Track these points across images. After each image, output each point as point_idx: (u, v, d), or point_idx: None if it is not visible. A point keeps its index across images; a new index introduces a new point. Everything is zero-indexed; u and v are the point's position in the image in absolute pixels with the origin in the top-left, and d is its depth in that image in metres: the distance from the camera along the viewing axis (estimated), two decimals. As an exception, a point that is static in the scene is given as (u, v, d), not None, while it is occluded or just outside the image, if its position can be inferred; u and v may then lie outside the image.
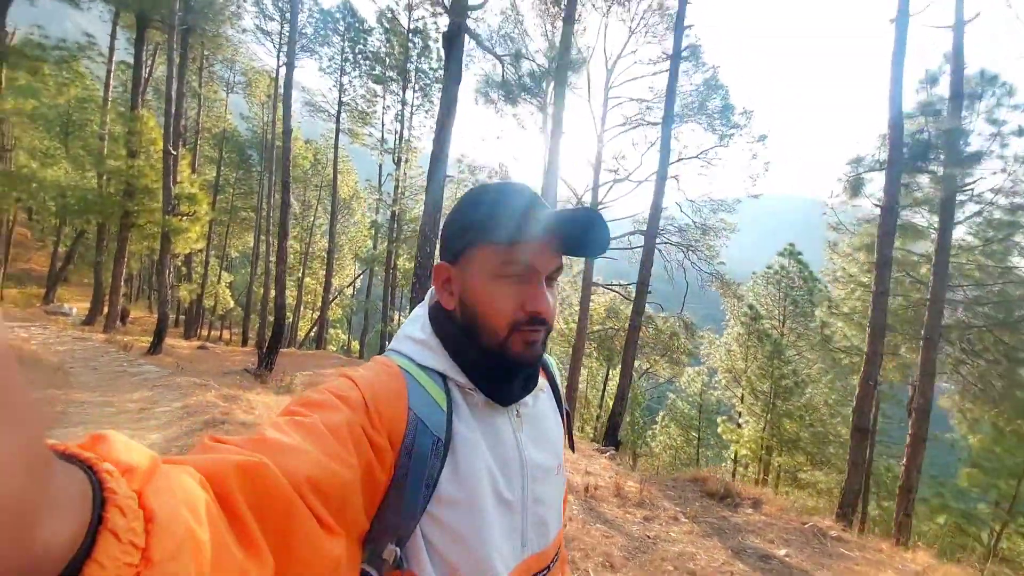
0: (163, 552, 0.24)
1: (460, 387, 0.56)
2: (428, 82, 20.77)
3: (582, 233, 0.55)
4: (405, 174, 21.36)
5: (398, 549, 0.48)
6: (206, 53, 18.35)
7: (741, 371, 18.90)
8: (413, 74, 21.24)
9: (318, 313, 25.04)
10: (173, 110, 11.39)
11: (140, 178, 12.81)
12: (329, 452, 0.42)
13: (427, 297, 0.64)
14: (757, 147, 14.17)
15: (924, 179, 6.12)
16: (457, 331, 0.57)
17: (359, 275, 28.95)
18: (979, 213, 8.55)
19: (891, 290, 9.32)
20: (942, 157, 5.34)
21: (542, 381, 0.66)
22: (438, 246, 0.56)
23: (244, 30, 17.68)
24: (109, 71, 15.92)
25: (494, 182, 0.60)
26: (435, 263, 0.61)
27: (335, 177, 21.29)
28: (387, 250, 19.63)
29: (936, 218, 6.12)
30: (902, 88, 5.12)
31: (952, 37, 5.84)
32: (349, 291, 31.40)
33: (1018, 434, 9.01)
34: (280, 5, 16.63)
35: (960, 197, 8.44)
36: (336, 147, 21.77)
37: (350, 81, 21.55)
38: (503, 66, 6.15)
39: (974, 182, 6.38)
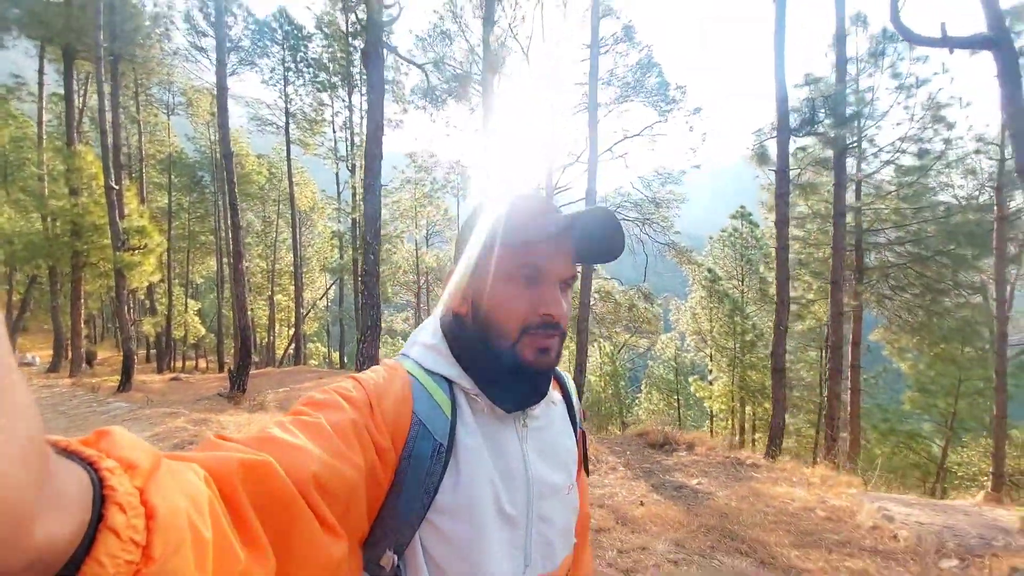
0: (164, 549, 0.24)
1: (466, 393, 0.56)
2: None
3: (594, 233, 0.56)
4: (362, 180, 21.36)
5: (396, 556, 0.48)
6: (139, 79, 17.84)
7: (707, 331, 19.89)
8: (358, 78, 21.09)
9: (293, 329, 24.89)
10: (110, 142, 11.22)
11: (85, 215, 12.58)
12: (334, 451, 0.42)
13: (440, 303, 0.64)
14: (693, 120, 14.77)
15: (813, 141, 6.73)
16: (467, 335, 0.57)
17: (330, 286, 28.76)
18: (890, 162, 9.33)
19: (816, 241, 10.07)
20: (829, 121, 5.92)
21: (556, 395, 0.65)
22: (453, 251, 0.65)
23: (176, 50, 17.28)
24: (41, 107, 15.40)
25: (506, 191, 0.60)
26: (448, 268, 0.61)
27: (291, 190, 21.11)
28: (352, 258, 19.67)
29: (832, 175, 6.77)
30: (784, 62, 5.63)
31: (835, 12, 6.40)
32: (323, 303, 31.19)
33: (942, 357, 9.93)
34: (212, 20, 16.29)
35: (871, 150, 9.18)
36: (288, 159, 21.52)
37: (295, 90, 21.24)
38: (426, 74, 6.44)
39: (870, 138, 7.03)
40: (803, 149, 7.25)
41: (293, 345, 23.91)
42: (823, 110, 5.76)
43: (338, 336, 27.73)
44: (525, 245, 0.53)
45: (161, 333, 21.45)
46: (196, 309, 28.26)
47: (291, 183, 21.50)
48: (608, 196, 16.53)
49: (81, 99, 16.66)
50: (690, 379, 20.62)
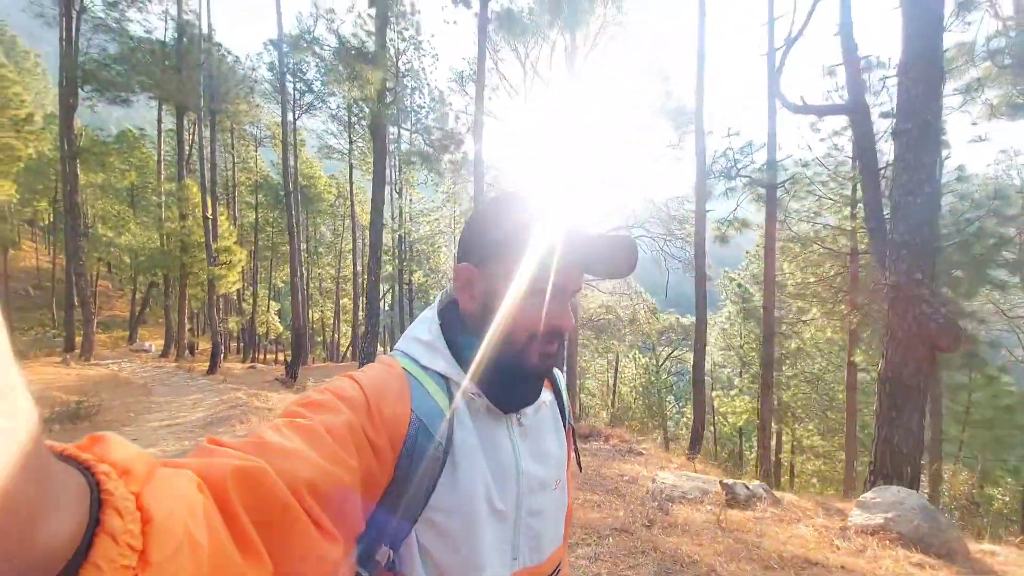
0: (161, 554, 0.24)
1: (463, 392, 0.56)
2: (420, 116, 23.26)
3: (616, 259, 0.57)
4: (409, 199, 24.04)
5: (392, 551, 0.49)
6: (232, 125, 21.74)
7: (736, 347, 20.05)
8: (412, 112, 23.69)
9: (359, 328, 28.03)
10: (207, 180, 14.41)
11: (190, 236, 16.01)
12: (328, 455, 0.42)
13: (437, 299, 0.64)
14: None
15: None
16: (470, 335, 0.57)
17: (385, 293, 31.87)
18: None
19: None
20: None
21: (547, 393, 0.66)
22: (457, 247, 0.64)
23: (264, 92, 20.94)
24: (160, 148, 19.53)
25: (527, 192, 0.60)
26: (456, 264, 0.60)
27: (352, 209, 24.17)
28: (396, 268, 22.22)
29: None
30: (702, 122, 6.76)
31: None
32: (384, 306, 34.29)
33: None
34: (277, 86, 19.64)
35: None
36: (351, 183, 24.69)
37: (357, 121, 24.43)
38: (422, 138, 8.34)
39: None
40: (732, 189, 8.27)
41: (351, 343, 26.90)
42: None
43: (393, 336, 30.61)
44: (541, 259, 0.54)
45: (245, 329, 25.33)
46: (277, 310, 32.54)
47: (352, 203, 24.58)
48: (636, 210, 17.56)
49: (190, 139, 20.78)
50: (713, 393, 20.82)
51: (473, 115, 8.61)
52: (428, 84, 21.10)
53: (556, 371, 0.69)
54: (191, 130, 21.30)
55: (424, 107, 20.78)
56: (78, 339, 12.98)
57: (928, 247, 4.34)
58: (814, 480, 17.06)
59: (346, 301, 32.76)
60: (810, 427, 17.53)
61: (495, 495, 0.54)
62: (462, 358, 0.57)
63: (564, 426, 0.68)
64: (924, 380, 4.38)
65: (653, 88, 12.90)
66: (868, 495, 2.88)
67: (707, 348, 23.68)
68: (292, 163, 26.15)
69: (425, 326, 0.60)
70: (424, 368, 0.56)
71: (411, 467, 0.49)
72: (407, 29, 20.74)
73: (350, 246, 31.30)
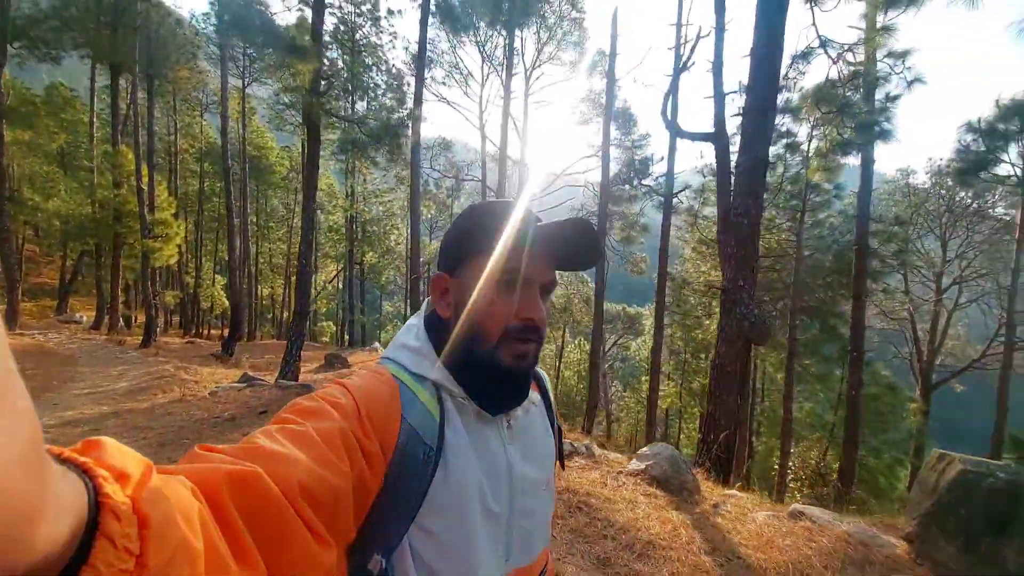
0: (158, 558, 0.24)
1: (453, 396, 0.57)
2: (376, 95, 22.98)
3: (571, 242, 0.58)
4: (363, 179, 23.96)
5: (384, 560, 0.48)
6: (173, 90, 20.87)
7: (668, 336, 21.68)
8: (371, 89, 23.36)
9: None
10: (143, 150, 14.06)
11: (124, 205, 15.53)
12: (321, 460, 0.42)
13: (423, 307, 0.65)
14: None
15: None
16: (452, 340, 0.58)
17: (336, 273, 31.63)
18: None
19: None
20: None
21: (534, 395, 0.67)
22: (437, 258, 0.66)
23: (208, 59, 20.07)
24: (92, 111, 18.56)
25: (491, 200, 0.62)
26: (433, 274, 0.62)
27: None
28: (347, 248, 22.27)
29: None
30: (609, 139, 7.57)
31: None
32: (334, 286, 33.98)
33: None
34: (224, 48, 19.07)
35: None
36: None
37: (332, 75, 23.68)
38: (356, 128, 8.73)
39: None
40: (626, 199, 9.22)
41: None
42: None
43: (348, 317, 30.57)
44: (506, 252, 0.55)
45: (186, 303, 24.69)
46: (223, 284, 31.67)
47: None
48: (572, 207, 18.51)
49: (126, 103, 19.76)
50: (643, 379, 22.47)
51: (410, 109, 9.08)
52: (386, 61, 20.97)
53: (542, 373, 0.71)
54: (127, 94, 20.29)
55: (380, 85, 20.75)
56: (1, 307, 12.60)
57: (749, 260, 5.33)
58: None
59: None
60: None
61: (489, 497, 0.55)
62: (449, 362, 0.57)
63: (552, 427, 0.69)
64: (742, 367, 5.43)
65: (590, 89, 13.68)
66: (644, 449, 3.80)
67: (642, 338, 25.42)
68: (241, 132, 25.39)
69: (412, 333, 0.61)
70: (414, 375, 0.56)
71: (402, 473, 0.49)
72: (364, 3, 20.46)
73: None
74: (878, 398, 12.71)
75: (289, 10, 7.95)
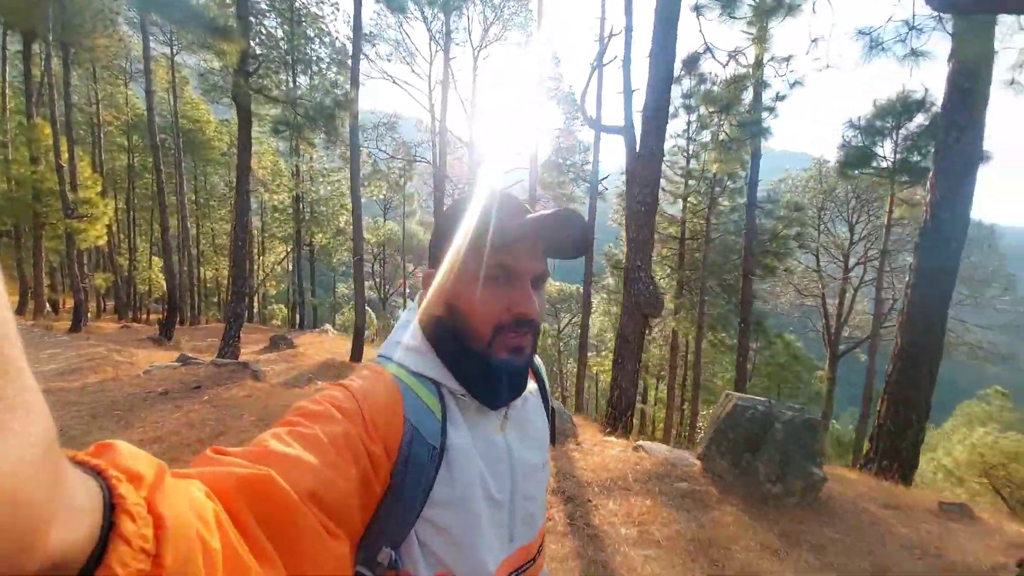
0: (174, 558, 0.25)
1: (453, 393, 0.57)
2: (320, 68, 22.16)
3: (560, 232, 0.57)
4: (310, 158, 23.28)
5: (393, 552, 0.50)
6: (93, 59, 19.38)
7: (614, 314, 22.91)
8: (314, 63, 22.42)
9: (253, 289, 26.98)
10: (59, 124, 13.21)
11: (43, 183, 14.57)
12: (330, 463, 0.43)
13: (415, 302, 0.64)
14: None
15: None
16: (445, 334, 0.58)
17: (286, 254, 30.76)
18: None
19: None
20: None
21: (531, 383, 0.67)
22: (427, 254, 0.64)
23: (132, 25, 18.66)
24: (4, 81, 17.02)
25: (478, 192, 0.61)
26: (424, 271, 0.62)
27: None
28: (295, 229, 21.79)
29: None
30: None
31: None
32: (283, 268, 33.04)
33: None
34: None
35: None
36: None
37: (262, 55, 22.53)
38: (292, 108, 8.76)
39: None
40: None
41: (241, 303, 26.00)
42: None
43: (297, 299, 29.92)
44: (495, 247, 0.55)
45: (120, 287, 23.48)
46: (161, 266, 30.07)
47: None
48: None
49: (40, 73, 18.17)
50: (589, 355, 23.72)
51: (346, 90, 9.16)
52: (330, 34, 20.30)
53: (537, 359, 0.69)
54: (42, 61, 18.57)
55: (324, 59, 20.14)
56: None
57: (646, 244, 6.05)
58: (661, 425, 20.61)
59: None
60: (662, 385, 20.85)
61: (492, 487, 0.56)
62: (446, 359, 0.58)
63: (547, 409, 0.71)
64: (639, 337, 6.20)
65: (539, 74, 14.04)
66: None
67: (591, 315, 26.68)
68: (172, 104, 23.94)
69: (408, 331, 0.61)
70: (414, 373, 0.57)
71: (407, 473, 0.50)
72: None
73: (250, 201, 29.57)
74: (786, 367, 14.28)
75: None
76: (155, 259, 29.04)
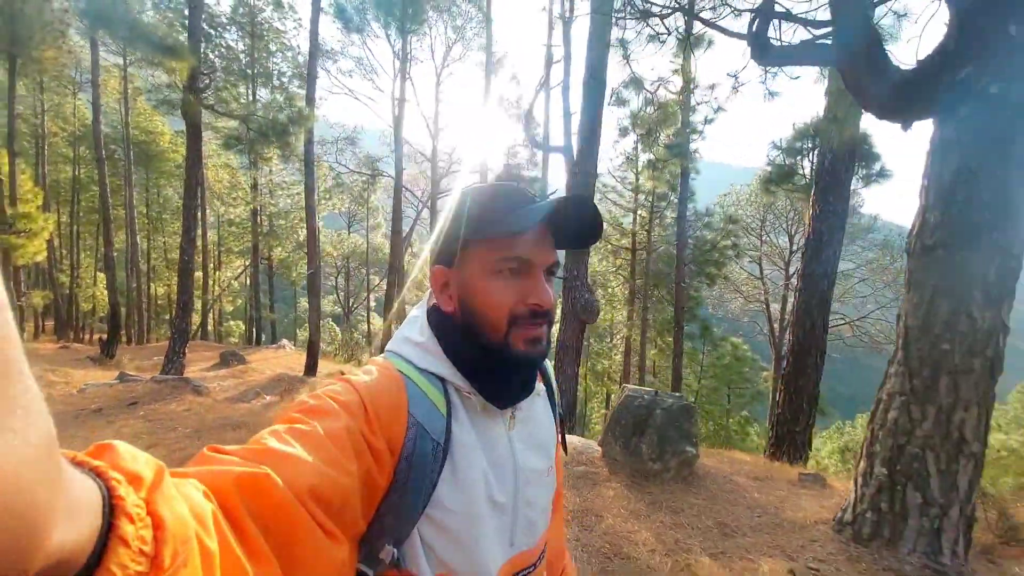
0: (173, 560, 0.24)
1: (459, 391, 0.57)
2: (282, 82, 22.03)
3: (573, 217, 0.57)
4: (270, 171, 22.99)
5: (395, 550, 0.49)
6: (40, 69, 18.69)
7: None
8: (275, 76, 22.21)
9: (209, 305, 26.09)
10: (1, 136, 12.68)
11: (-24, 196, 13.86)
12: (329, 460, 0.42)
13: (424, 299, 0.64)
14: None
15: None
16: (457, 333, 0.58)
17: (244, 269, 29.96)
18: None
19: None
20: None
21: (539, 386, 0.67)
22: (430, 251, 0.64)
23: (82, 33, 18.11)
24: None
25: (482, 184, 0.60)
26: (432, 268, 0.61)
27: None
28: (252, 243, 21.39)
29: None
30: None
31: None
32: (241, 283, 32.12)
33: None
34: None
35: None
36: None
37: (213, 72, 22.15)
38: (245, 123, 8.84)
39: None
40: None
41: (191, 321, 25.12)
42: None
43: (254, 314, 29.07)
44: (507, 238, 0.55)
45: (60, 305, 22.29)
46: (107, 282, 28.63)
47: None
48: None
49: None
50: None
51: (299, 107, 9.32)
52: (292, 48, 20.28)
53: (545, 362, 0.68)
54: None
55: (287, 72, 20.09)
56: None
57: (582, 254, 6.47)
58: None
59: (198, 275, 30.18)
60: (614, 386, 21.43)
61: (495, 489, 0.56)
62: (455, 356, 0.57)
63: (554, 414, 0.70)
64: (576, 342, 6.58)
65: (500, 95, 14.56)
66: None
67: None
68: (124, 115, 23.22)
69: (416, 327, 0.61)
70: (419, 370, 0.56)
71: (410, 470, 0.50)
72: (264, -15, 19.60)
73: (200, 213, 28.73)
74: (731, 367, 15.09)
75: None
76: (101, 275, 27.71)
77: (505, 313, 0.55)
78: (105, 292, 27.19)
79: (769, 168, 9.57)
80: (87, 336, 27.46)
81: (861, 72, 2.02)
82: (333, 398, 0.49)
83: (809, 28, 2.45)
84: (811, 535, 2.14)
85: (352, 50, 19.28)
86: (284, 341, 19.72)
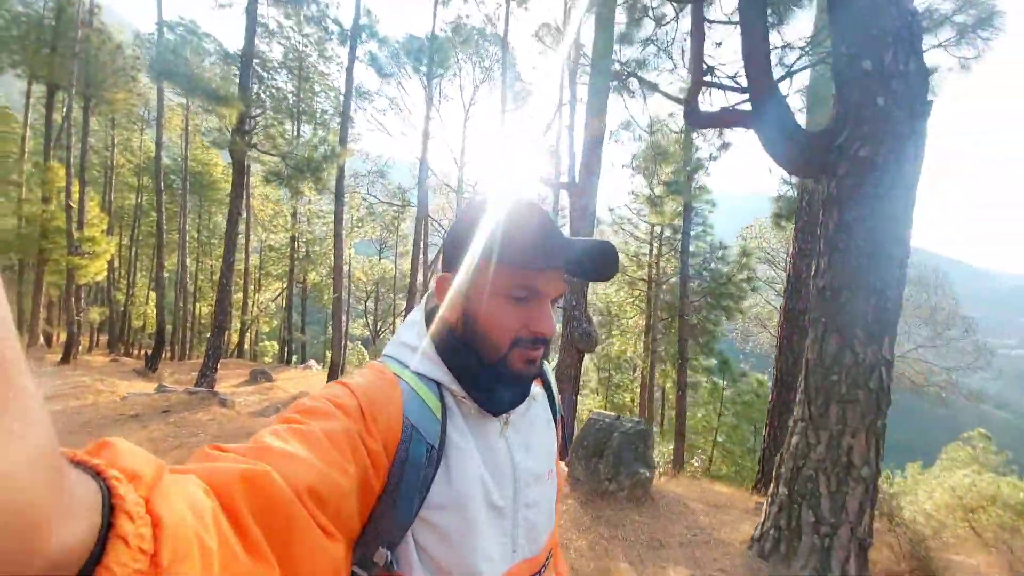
0: (172, 558, 0.25)
1: (454, 395, 0.57)
2: (326, 118, 23.77)
3: (598, 266, 0.58)
4: (309, 200, 24.59)
5: (389, 553, 0.49)
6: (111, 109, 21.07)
7: (598, 354, 23.36)
8: (318, 114, 24.01)
9: (247, 325, 27.56)
10: (71, 169, 14.39)
11: (52, 221, 15.58)
12: (328, 460, 0.43)
13: (422, 303, 0.65)
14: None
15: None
16: (455, 340, 0.58)
17: (280, 293, 31.54)
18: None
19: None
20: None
21: (537, 389, 0.67)
22: (440, 255, 0.65)
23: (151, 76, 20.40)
24: (25, 126, 18.50)
25: (505, 197, 0.58)
26: (438, 273, 0.62)
27: (249, 202, 24.20)
28: (289, 267, 22.72)
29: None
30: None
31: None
32: (278, 304, 33.65)
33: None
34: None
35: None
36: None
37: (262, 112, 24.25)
38: (283, 161, 9.78)
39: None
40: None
41: (235, 340, 26.55)
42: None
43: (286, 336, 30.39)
44: (528, 269, 0.55)
45: (114, 321, 24.12)
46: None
47: (248, 195, 24.54)
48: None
49: (62, 119, 19.72)
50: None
51: (333, 146, 10.23)
52: (335, 88, 21.97)
53: (546, 365, 0.70)
54: (63, 107, 20.15)
55: (328, 110, 21.76)
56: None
57: (583, 286, 6.77)
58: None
59: (240, 296, 31.97)
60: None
61: (493, 491, 0.55)
62: (451, 362, 0.57)
63: (555, 418, 0.70)
64: (575, 370, 6.80)
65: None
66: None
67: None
68: (184, 148, 25.52)
69: (413, 330, 0.62)
70: (415, 373, 0.57)
71: (405, 471, 0.50)
72: (312, 34, 21.56)
73: (251, 239, 30.73)
74: (752, 405, 14.65)
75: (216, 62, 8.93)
76: (153, 294, 29.85)
77: (509, 337, 0.56)
78: (154, 310, 29.28)
79: (779, 202, 9.67)
80: (136, 351, 29.36)
81: (773, 136, 2.32)
82: (330, 400, 0.50)
83: (736, 93, 2.78)
84: (728, 551, 2.31)
85: (388, 90, 20.81)
86: (312, 362, 20.62)
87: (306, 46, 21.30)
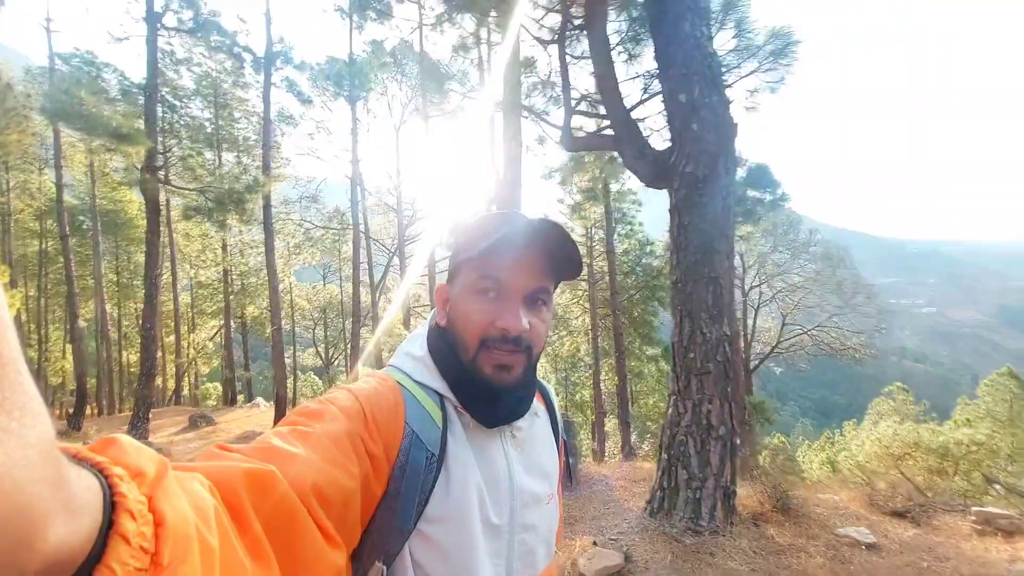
0: (173, 557, 0.24)
1: (455, 406, 0.58)
2: (250, 145, 22.86)
3: (555, 248, 0.57)
4: (240, 231, 23.49)
5: (384, 568, 0.49)
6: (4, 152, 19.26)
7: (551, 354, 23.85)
8: (240, 140, 23.01)
9: (183, 368, 25.80)
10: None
11: (-62, 280, 14.02)
12: (332, 461, 0.43)
13: (430, 317, 0.65)
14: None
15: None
16: (444, 344, 0.59)
17: (217, 331, 29.78)
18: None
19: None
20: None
21: (540, 407, 0.68)
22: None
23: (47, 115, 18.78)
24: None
25: (493, 212, 0.60)
26: (439, 285, 0.64)
27: (171, 238, 22.74)
28: (224, 303, 21.61)
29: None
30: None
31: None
32: (215, 343, 31.77)
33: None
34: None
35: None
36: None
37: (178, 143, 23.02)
38: (202, 194, 9.46)
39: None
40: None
41: (175, 386, 24.81)
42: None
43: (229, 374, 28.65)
44: (483, 257, 0.55)
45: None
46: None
47: (171, 231, 23.09)
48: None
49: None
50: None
51: (255, 176, 10.01)
52: (257, 113, 21.20)
53: (548, 386, 0.71)
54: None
55: (251, 137, 20.98)
56: None
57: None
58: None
59: (172, 340, 29.89)
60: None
61: (489, 508, 0.55)
62: (444, 372, 0.58)
63: (557, 440, 0.69)
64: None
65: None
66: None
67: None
68: (91, 187, 23.68)
69: (417, 342, 0.63)
70: (417, 383, 0.58)
71: (405, 478, 0.50)
72: (227, 60, 20.73)
73: (175, 278, 28.80)
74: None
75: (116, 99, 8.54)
76: (70, 347, 27.22)
77: (476, 333, 0.56)
78: (70, 364, 26.72)
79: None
80: (57, 410, 26.62)
81: (630, 155, 2.72)
82: (334, 403, 0.50)
83: (602, 119, 3.19)
84: (628, 517, 2.65)
85: (314, 112, 20.40)
86: (259, 399, 19.69)
87: (220, 72, 20.51)
